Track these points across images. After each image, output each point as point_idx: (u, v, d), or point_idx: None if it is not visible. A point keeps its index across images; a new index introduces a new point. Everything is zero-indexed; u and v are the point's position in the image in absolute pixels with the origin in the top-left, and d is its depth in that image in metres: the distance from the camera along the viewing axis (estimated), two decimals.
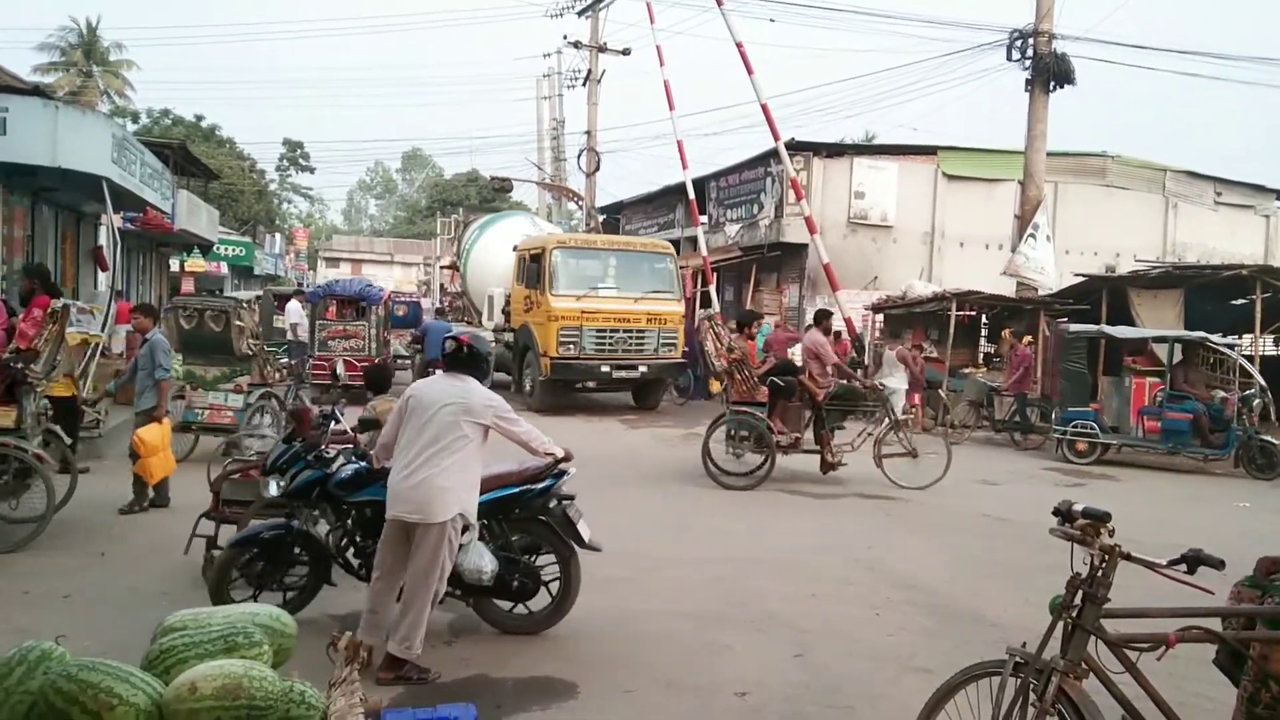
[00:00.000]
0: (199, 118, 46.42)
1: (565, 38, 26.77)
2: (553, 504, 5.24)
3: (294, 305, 19.96)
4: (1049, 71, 16.90)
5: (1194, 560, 2.92)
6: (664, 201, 28.22)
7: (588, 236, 18.43)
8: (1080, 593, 2.92)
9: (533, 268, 16.12)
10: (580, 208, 26.37)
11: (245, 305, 11.17)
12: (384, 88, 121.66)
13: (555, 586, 5.31)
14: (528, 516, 5.29)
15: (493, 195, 56.07)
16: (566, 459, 5.13)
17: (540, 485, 5.21)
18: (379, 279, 47.73)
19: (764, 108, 18.82)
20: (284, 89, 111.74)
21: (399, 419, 4.84)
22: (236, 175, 42.15)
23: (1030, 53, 16.96)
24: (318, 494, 5.28)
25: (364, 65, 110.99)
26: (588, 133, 26.50)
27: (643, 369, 15.97)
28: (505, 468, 5.31)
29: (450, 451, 4.66)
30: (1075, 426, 13.03)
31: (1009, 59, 17.32)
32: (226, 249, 33.97)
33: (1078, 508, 2.99)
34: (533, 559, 5.30)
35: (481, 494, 4.99)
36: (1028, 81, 17.20)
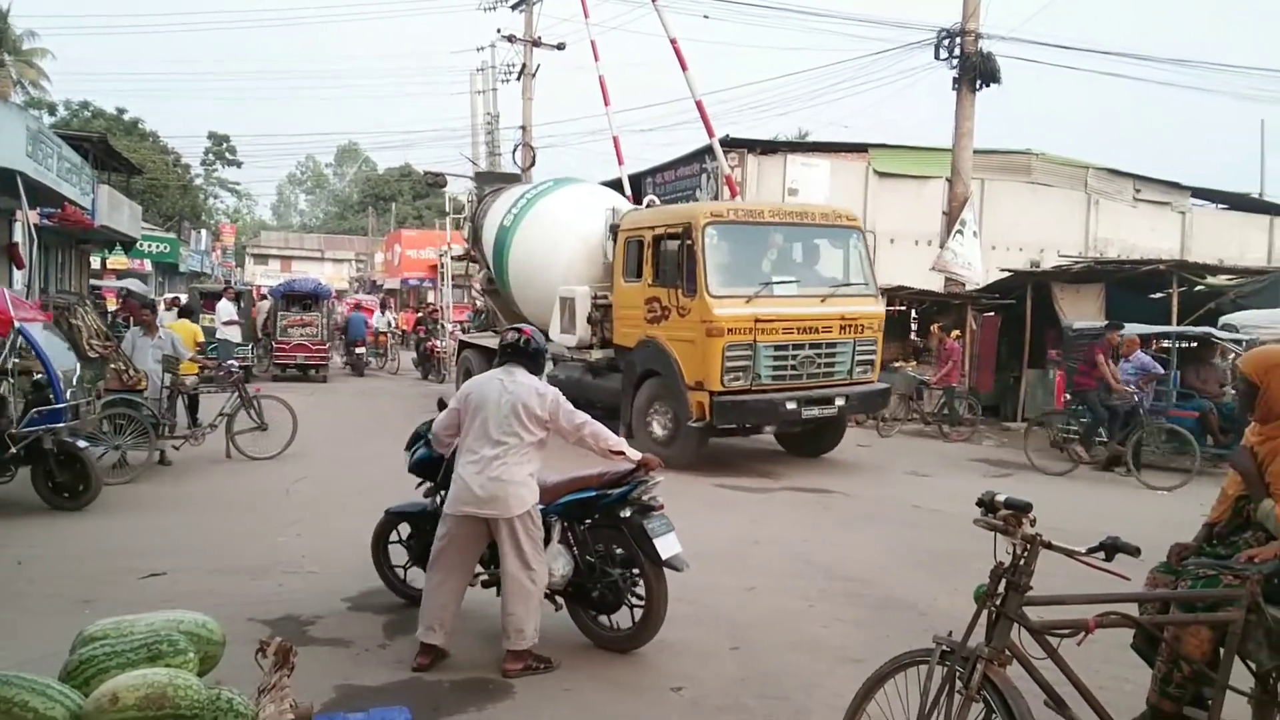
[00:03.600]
0: (120, 110, 45.13)
1: (499, 31, 26.49)
2: (627, 513, 4.90)
3: (224, 304, 19.43)
4: (975, 70, 17.24)
5: (1111, 548, 3.02)
6: None
7: (749, 205, 12.25)
8: (1003, 581, 3.00)
9: (667, 254, 10.82)
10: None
11: (83, 302, 10.93)
12: (314, 80, 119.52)
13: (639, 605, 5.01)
14: (606, 524, 5.00)
15: (426, 190, 55.45)
16: (647, 466, 4.92)
17: (616, 491, 4.91)
18: (310, 274, 46.92)
19: (698, 104, 18.88)
20: (209, 81, 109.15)
21: (458, 412, 4.86)
22: (160, 170, 41.03)
23: (957, 52, 17.29)
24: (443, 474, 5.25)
25: (293, 57, 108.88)
26: (523, 128, 26.34)
27: (840, 401, 10.95)
28: (587, 471, 5.11)
29: (514, 449, 4.70)
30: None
31: (937, 58, 17.63)
32: (150, 246, 33.08)
33: (1000, 498, 3.07)
34: (621, 571, 4.99)
35: (559, 497, 4.95)
36: (955, 80, 17.53)
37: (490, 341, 14.88)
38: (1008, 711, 2.85)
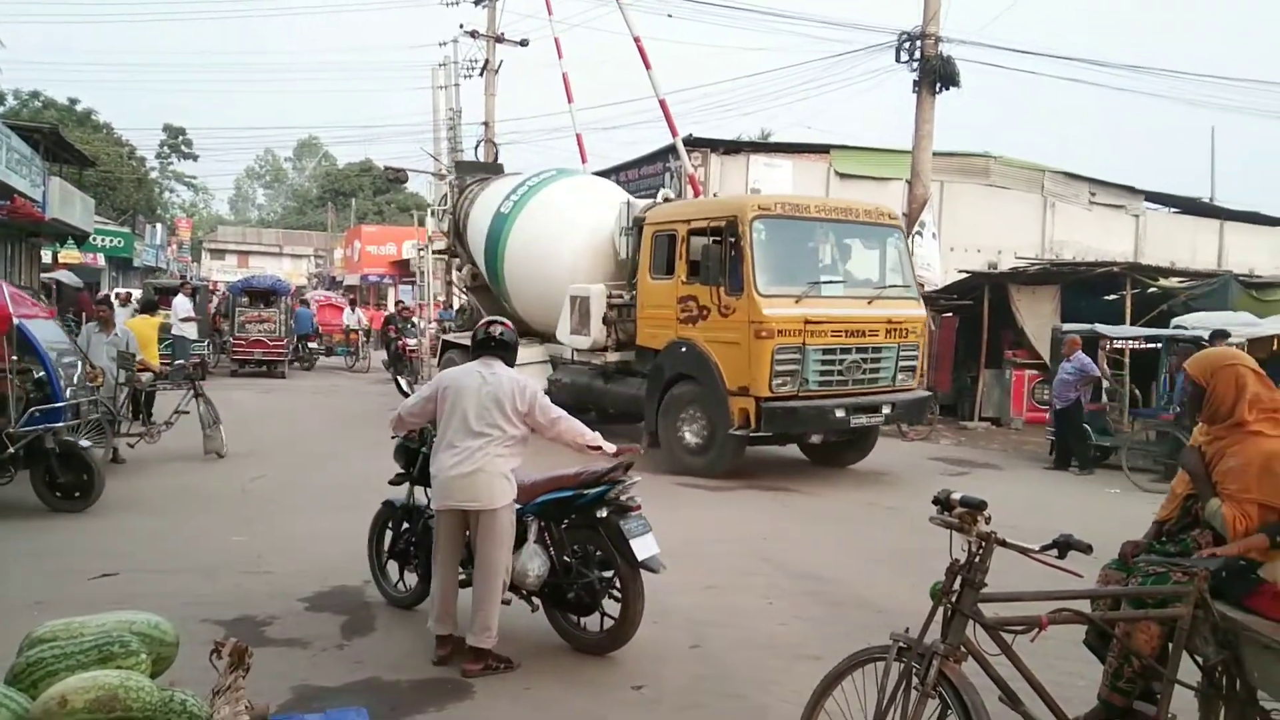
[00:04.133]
0: (73, 101, 44.25)
1: (461, 27, 26.36)
2: (604, 513, 4.84)
3: (181, 300, 19.03)
4: (935, 73, 17.42)
5: (1064, 545, 3.07)
6: None
7: (795, 199, 11.31)
8: (959, 578, 3.04)
9: (709, 250, 10.10)
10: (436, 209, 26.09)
11: (36, 296, 10.73)
12: (274, 73, 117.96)
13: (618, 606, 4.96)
14: (583, 524, 4.94)
15: (387, 186, 54.97)
16: (625, 458, 4.89)
17: (593, 491, 4.85)
18: (268, 270, 46.36)
19: (662, 103, 18.90)
20: (166, 73, 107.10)
21: (428, 401, 4.87)
22: (114, 162, 40.27)
23: (918, 55, 17.47)
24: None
25: (252, 50, 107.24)
26: (485, 124, 26.23)
27: (887, 409, 10.47)
28: (565, 470, 5.08)
29: (496, 440, 4.71)
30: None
31: (898, 60, 17.79)
32: (103, 240, 32.42)
33: (956, 496, 3.12)
34: (598, 573, 4.94)
35: (537, 496, 4.92)
36: (915, 83, 17.70)
37: (467, 339, 14.53)
38: (963, 707, 2.89)
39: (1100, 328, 13.05)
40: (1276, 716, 3.10)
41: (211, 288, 29.50)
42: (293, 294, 24.24)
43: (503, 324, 5.11)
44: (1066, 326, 13.71)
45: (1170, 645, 3.29)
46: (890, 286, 10.71)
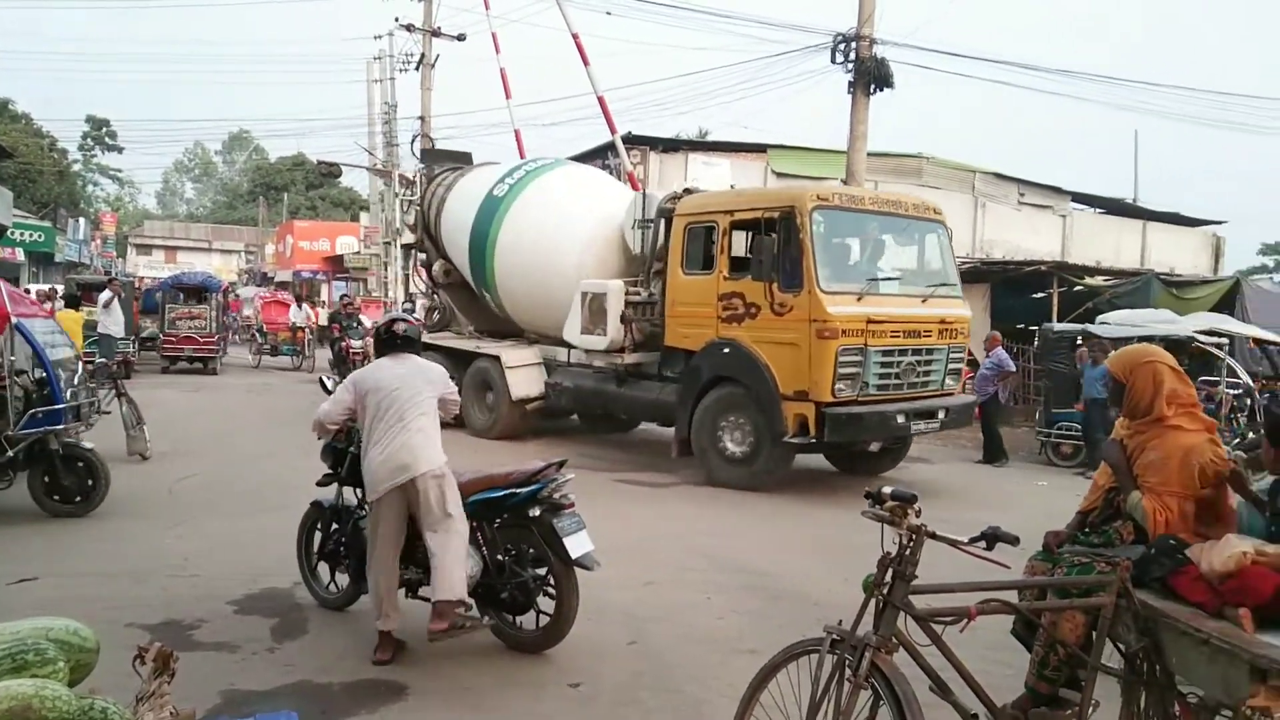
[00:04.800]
0: None
1: (397, 20, 25.99)
2: (537, 511, 4.83)
3: (107, 297, 18.43)
4: (870, 75, 17.65)
5: (992, 537, 3.13)
6: None
7: (850, 190, 10.92)
8: (890, 571, 3.08)
9: (762, 243, 9.46)
10: (399, 194, 25.75)
11: None
12: (202, 64, 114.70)
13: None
14: (516, 523, 4.91)
15: (320, 180, 54.03)
16: (555, 461, 5.00)
17: (525, 490, 4.83)
18: (196, 266, 45.20)
19: (600, 100, 18.86)
20: (88, 62, 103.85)
21: (347, 404, 4.89)
22: (33, 154, 38.90)
23: (853, 56, 17.69)
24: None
25: (179, 39, 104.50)
26: (421, 118, 25.87)
27: (941, 414, 9.91)
28: (497, 470, 5.09)
29: (428, 418, 4.83)
30: (1060, 429, 12.57)
31: (833, 61, 17.96)
32: (23, 234, 31.26)
33: (887, 490, 3.17)
34: (532, 572, 4.92)
35: (468, 496, 4.88)
36: (850, 84, 17.92)
37: (457, 343, 13.53)
38: (894, 697, 2.93)
39: (1091, 327, 12.90)
40: (1193, 700, 3.20)
41: (138, 284, 28.60)
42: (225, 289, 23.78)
43: (405, 320, 5.24)
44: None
45: (1094, 633, 3.38)
46: (941, 285, 10.19)
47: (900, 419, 9.43)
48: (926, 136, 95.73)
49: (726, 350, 9.83)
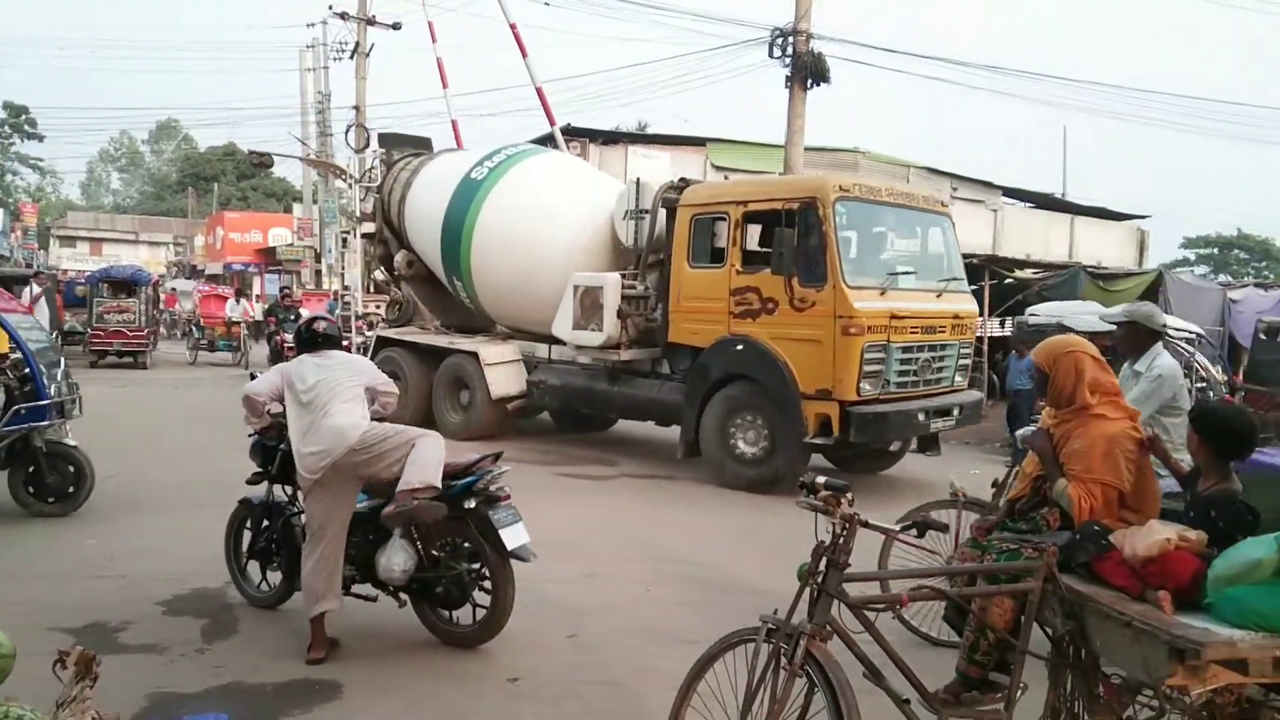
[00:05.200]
0: None
1: (330, 8, 25.52)
2: (472, 504, 4.77)
3: (36, 291, 17.69)
4: (807, 70, 17.82)
5: (923, 525, 3.19)
6: None
7: (869, 182, 10.39)
8: (824, 560, 3.12)
9: (783, 235, 8.98)
10: (349, 185, 25.33)
11: None
12: (128, 50, 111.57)
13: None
14: (451, 516, 4.80)
15: (251, 171, 52.91)
16: (490, 453, 4.96)
17: (460, 483, 4.76)
18: (123, 259, 43.92)
19: (539, 91, 18.79)
20: (7, 47, 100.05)
21: (276, 382, 4.93)
22: None
23: (790, 51, 17.83)
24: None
25: (103, 25, 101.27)
26: (356, 108, 25.43)
27: (955, 411, 9.76)
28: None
29: (347, 403, 4.82)
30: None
31: (771, 56, 18.08)
32: None
33: (820, 480, 3.20)
34: (467, 565, 4.87)
35: None
36: (787, 78, 18.07)
37: (427, 339, 12.84)
38: (828, 684, 2.97)
39: (1065, 320, 12.16)
40: (1116, 681, 3.29)
41: (61, 276, 27.70)
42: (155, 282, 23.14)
43: (326, 319, 5.36)
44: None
45: (1022, 618, 3.46)
46: (952, 279, 9.96)
47: (922, 417, 9.29)
48: (866, 132, 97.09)
49: (740, 347, 9.45)
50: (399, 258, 13.50)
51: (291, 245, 37.93)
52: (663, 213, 10.36)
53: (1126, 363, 5.21)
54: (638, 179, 10.85)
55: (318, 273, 24.30)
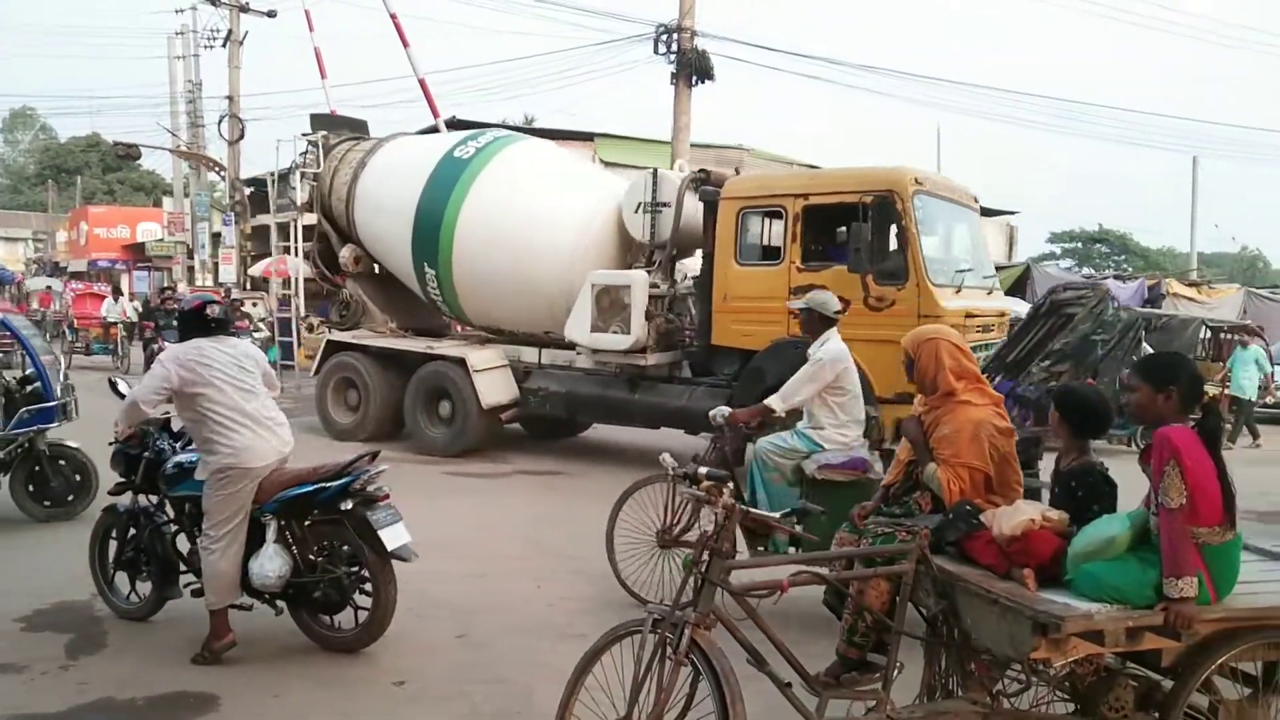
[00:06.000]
0: None
1: None
2: (348, 505, 4.64)
3: None
4: (691, 66, 18.03)
5: (802, 512, 3.27)
6: None
7: (931, 175, 9.50)
8: (707, 549, 3.16)
9: (859, 231, 8.44)
10: (222, 178, 24.38)
11: None
12: None
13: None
14: (328, 519, 4.69)
15: (117, 163, 50.46)
16: (366, 453, 4.86)
17: (335, 484, 4.62)
18: None
19: (422, 83, 18.43)
20: None
21: (171, 377, 4.57)
22: None
23: (675, 47, 17.99)
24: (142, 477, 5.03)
25: None
26: (229, 98, 24.46)
27: None
28: (304, 465, 4.86)
29: (262, 397, 4.78)
30: None
31: (655, 52, 18.24)
32: None
33: (703, 471, 3.24)
34: (346, 568, 4.73)
35: (275, 494, 4.64)
36: (673, 75, 18.24)
37: (400, 344, 11.39)
38: (712, 671, 3.02)
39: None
40: (987, 658, 3.43)
41: None
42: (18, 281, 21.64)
43: (215, 301, 5.04)
44: None
45: (897, 599, 3.58)
46: (992, 276, 9.58)
47: None
48: (754, 132, 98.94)
49: (800, 350, 8.86)
50: (345, 252, 12.06)
51: (162, 241, 36.24)
52: (690, 206, 9.65)
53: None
54: (655, 169, 10.06)
55: (190, 269, 23.18)
